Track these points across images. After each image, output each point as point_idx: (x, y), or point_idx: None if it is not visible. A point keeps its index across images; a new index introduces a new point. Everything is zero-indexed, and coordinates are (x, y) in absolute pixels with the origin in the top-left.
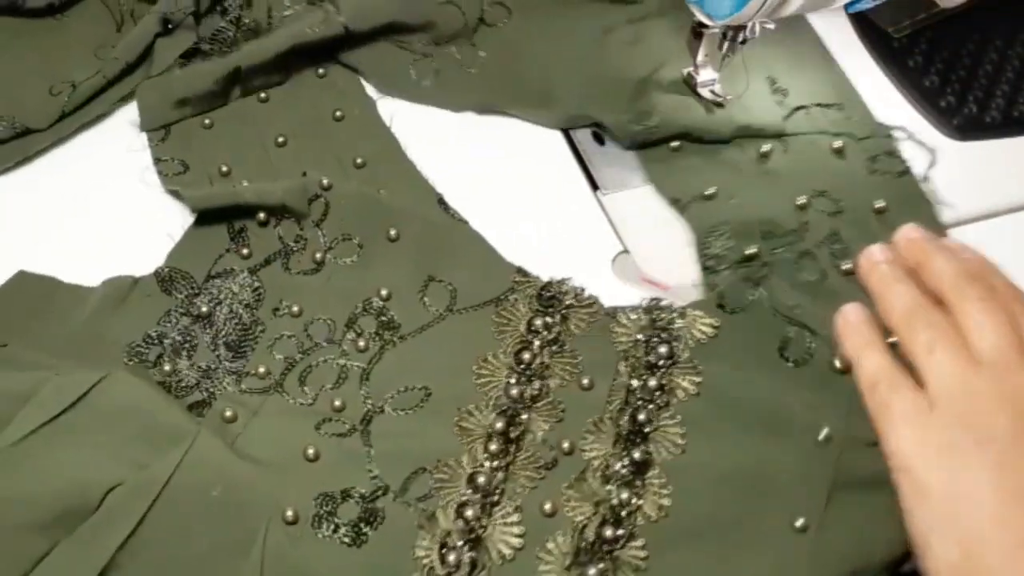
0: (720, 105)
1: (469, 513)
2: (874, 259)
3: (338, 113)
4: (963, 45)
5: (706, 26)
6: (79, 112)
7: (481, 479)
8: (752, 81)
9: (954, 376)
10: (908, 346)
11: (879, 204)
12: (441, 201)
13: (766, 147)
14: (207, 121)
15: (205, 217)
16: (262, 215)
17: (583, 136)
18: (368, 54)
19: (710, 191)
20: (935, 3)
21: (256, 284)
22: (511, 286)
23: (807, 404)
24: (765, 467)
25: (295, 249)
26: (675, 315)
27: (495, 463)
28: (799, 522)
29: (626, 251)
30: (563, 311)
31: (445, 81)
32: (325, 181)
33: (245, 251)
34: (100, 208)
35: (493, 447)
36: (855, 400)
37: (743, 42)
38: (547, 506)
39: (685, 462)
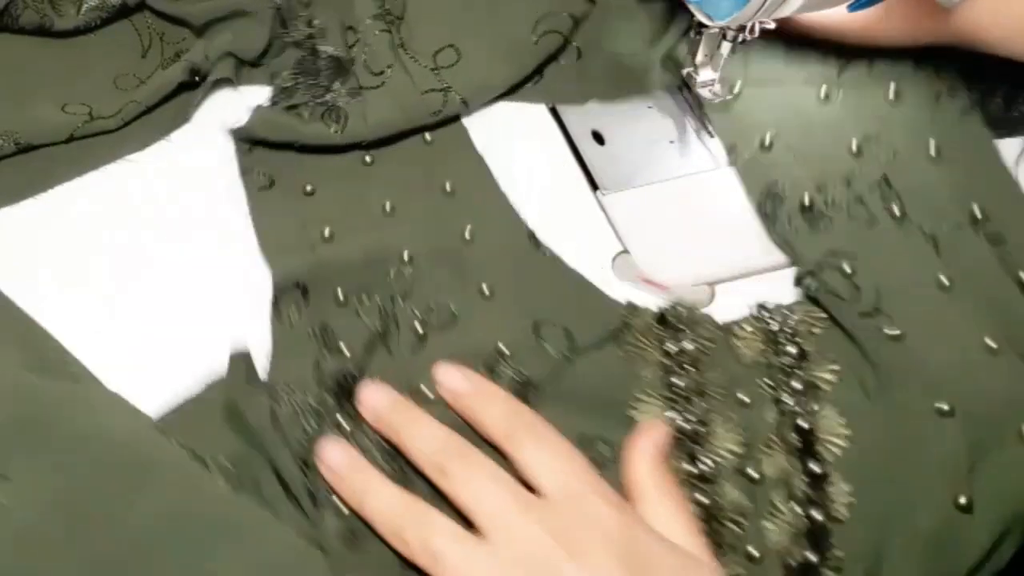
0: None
1: None
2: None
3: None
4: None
5: (706, 26)
6: (88, 140)
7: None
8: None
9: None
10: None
11: (932, 151)
12: (532, 236)
13: (823, 91)
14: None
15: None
16: (340, 295)
17: (583, 136)
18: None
19: (768, 139)
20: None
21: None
22: (623, 318)
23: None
24: (918, 444)
25: (390, 330)
26: (787, 314)
27: (708, 514)
28: (962, 500)
29: (626, 251)
30: (685, 331)
31: (548, 78)
32: (405, 254)
33: (344, 348)
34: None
35: (700, 498)
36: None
37: (743, 42)
38: (753, 552)
39: (854, 454)
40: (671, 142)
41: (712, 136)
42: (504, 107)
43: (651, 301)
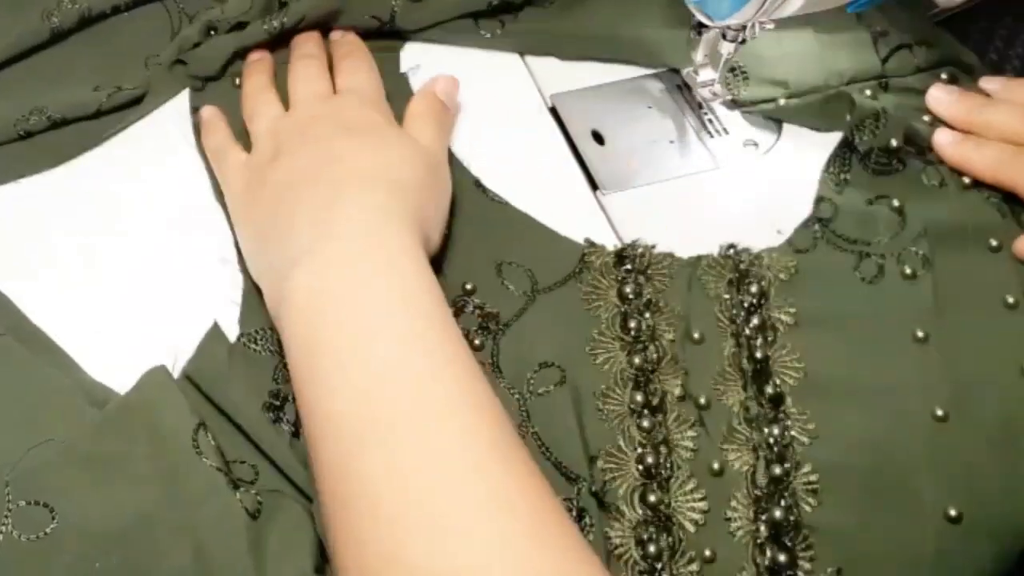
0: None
1: (652, 499)
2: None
3: None
4: (963, 45)
5: (706, 26)
6: (117, 114)
7: (648, 459)
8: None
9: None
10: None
11: None
12: (478, 184)
13: (868, 91)
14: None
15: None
16: None
17: (583, 136)
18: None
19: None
20: (934, 3)
21: None
22: (583, 257)
23: (892, 311)
24: (880, 372)
25: None
26: (754, 258)
27: (654, 438)
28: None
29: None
30: (645, 271)
31: (511, 30)
32: None
33: None
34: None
35: (645, 424)
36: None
37: (743, 42)
38: (714, 465)
39: (811, 384)
40: (671, 142)
41: (712, 136)
42: (477, 54)
43: (609, 240)
